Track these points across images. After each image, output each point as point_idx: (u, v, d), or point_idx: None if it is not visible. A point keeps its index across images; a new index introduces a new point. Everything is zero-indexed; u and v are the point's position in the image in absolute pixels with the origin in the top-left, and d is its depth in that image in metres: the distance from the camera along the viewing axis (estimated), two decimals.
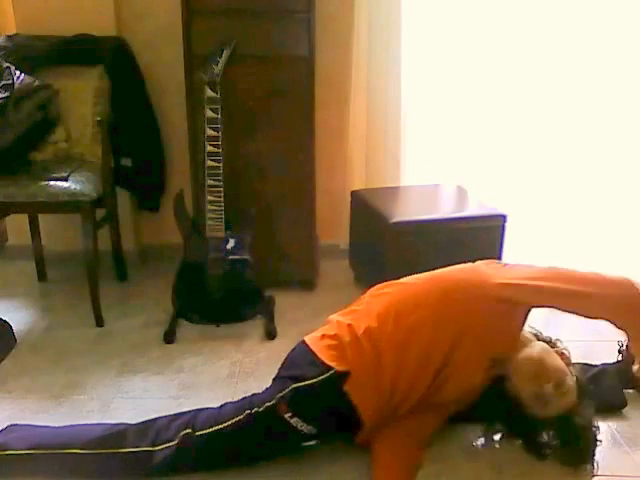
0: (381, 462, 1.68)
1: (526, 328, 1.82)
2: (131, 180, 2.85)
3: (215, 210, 2.41)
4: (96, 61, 2.63)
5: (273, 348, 2.31)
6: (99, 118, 2.51)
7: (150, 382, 2.12)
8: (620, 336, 1.81)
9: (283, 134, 2.59)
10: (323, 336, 1.75)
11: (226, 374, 2.17)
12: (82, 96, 2.60)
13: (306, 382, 1.65)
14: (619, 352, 2.06)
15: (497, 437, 1.81)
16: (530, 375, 1.72)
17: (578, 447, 1.72)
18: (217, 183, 2.39)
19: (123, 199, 2.86)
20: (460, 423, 1.86)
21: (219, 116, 2.36)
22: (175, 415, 1.72)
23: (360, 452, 1.73)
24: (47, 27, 2.64)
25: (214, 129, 2.36)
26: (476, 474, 1.70)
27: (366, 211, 2.69)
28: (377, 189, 2.85)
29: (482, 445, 1.82)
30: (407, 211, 2.65)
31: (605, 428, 1.84)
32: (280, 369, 1.79)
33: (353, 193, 2.84)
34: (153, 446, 1.64)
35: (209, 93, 2.35)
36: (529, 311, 1.79)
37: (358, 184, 2.94)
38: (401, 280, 1.87)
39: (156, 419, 1.72)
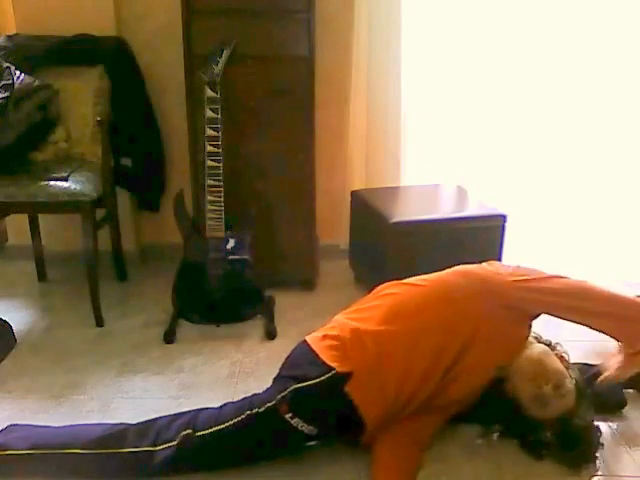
0: (381, 463, 1.67)
1: None
2: (131, 180, 2.85)
3: (215, 210, 2.41)
4: (96, 61, 2.63)
5: (273, 348, 2.31)
6: (99, 118, 2.51)
7: (150, 382, 2.12)
8: None
9: (283, 134, 2.59)
10: (325, 336, 1.75)
11: (226, 374, 2.17)
12: (82, 96, 2.60)
13: (307, 382, 1.64)
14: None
15: (496, 437, 1.81)
16: (529, 376, 1.73)
17: (577, 449, 1.72)
18: (217, 183, 2.39)
19: (123, 199, 2.86)
20: (460, 423, 1.86)
21: (219, 116, 2.36)
22: (175, 415, 1.72)
23: (360, 452, 1.73)
24: (47, 27, 2.64)
25: (214, 129, 2.36)
26: (476, 474, 1.70)
27: (366, 211, 2.69)
28: (377, 189, 2.85)
29: (482, 445, 1.82)
30: (407, 211, 2.65)
31: (605, 428, 1.84)
32: (281, 369, 1.79)
33: (353, 193, 2.84)
34: (154, 446, 1.64)
35: (209, 93, 2.35)
36: (535, 317, 1.81)
37: (358, 184, 2.94)
38: (407, 280, 1.87)
39: (156, 419, 1.72)
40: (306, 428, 1.64)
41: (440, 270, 1.87)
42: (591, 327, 1.76)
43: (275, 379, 1.77)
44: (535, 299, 1.75)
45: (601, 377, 1.80)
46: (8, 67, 2.42)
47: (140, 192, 2.95)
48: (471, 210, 2.70)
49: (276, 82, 2.54)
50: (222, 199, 2.40)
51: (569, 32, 2.84)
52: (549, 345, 1.82)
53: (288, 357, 1.80)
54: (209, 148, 2.38)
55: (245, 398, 1.74)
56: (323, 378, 1.64)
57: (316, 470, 1.71)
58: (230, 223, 2.46)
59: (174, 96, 2.73)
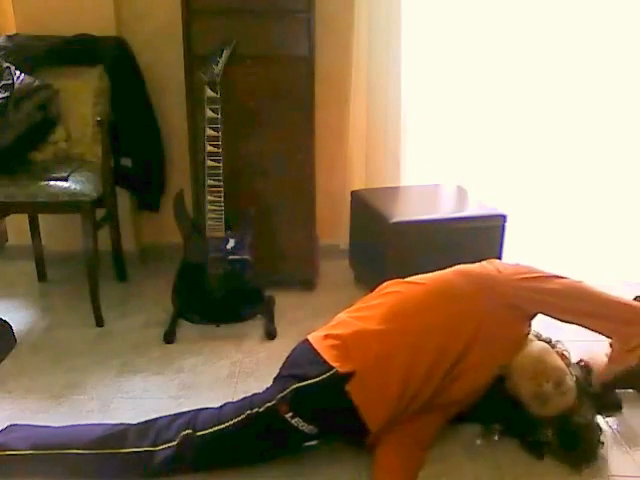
0: (383, 463, 1.67)
1: None
2: (131, 180, 2.85)
3: (215, 210, 2.41)
4: (96, 61, 2.63)
5: (273, 348, 2.31)
6: (99, 118, 2.51)
7: (150, 382, 2.12)
8: None
9: (283, 134, 2.59)
10: (327, 336, 1.75)
11: (226, 374, 2.17)
12: (82, 96, 2.60)
13: (307, 382, 1.64)
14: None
15: (497, 437, 1.81)
16: (530, 374, 1.73)
17: (578, 448, 1.72)
18: (217, 183, 2.39)
19: (123, 199, 2.86)
20: (460, 423, 1.86)
21: (219, 116, 2.36)
22: (176, 415, 1.72)
23: (360, 452, 1.73)
24: (47, 27, 2.65)
25: (214, 129, 2.36)
26: (476, 474, 1.70)
27: (366, 211, 2.69)
28: (377, 189, 2.85)
29: (482, 445, 1.82)
30: (407, 211, 2.65)
31: (605, 428, 1.84)
32: (281, 368, 1.79)
33: (353, 193, 2.84)
34: (154, 446, 1.64)
35: (209, 93, 2.35)
36: (533, 316, 1.81)
37: (358, 184, 2.94)
38: (410, 279, 1.87)
39: (157, 419, 1.72)
40: (306, 428, 1.64)
41: (440, 270, 1.87)
42: (586, 327, 1.77)
43: (275, 379, 1.77)
44: (534, 299, 1.76)
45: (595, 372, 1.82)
46: (8, 67, 2.42)
47: (140, 192, 2.95)
48: (471, 210, 2.70)
49: (276, 82, 2.54)
50: (222, 199, 2.40)
51: (569, 32, 2.85)
52: (550, 343, 1.82)
53: (289, 356, 1.80)
54: (209, 148, 2.38)
55: (245, 398, 1.74)
56: (323, 377, 1.63)
57: (316, 470, 1.71)
58: (230, 223, 2.46)
59: (174, 96, 2.73)
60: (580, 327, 1.77)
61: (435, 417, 1.77)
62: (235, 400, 1.77)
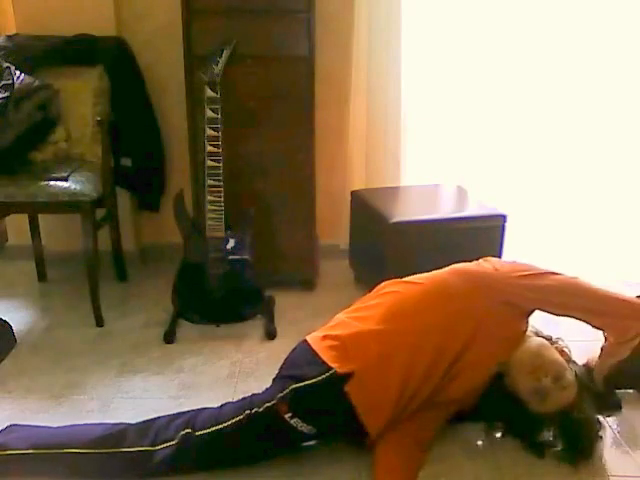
0: (383, 463, 1.67)
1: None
2: (131, 180, 2.85)
3: (215, 210, 2.41)
4: (96, 61, 2.63)
5: (273, 348, 2.31)
6: (99, 118, 2.51)
7: (150, 382, 2.12)
8: None
9: (283, 134, 2.59)
10: (325, 337, 1.75)
11: (226, 374, 2.17)
12: (82, 96, 2.60)
13: (306, 382, 1.64)
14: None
15: (497, 436, 1.82)
16: (528, 368, 1.73)
17: (579, 445, 1.72)
18: (217, 183, 2.39)
19: (123, 199, 2.86)
20: (460, 423, 1.86)
21: (219, 116, 2.36)
22: (175, 415, 1.72)
23: (360, 452, 1.73)
24: (47, 27, 2.65)
25: (214, 129, 2.36)
26: (476, 474, 1.70)
27: (366, 211, 2.69)
28: (377, 189, 2.85)
29: (482, 445, 1.82)
30: (407, 211, 2.65)
31: (604, 427, 1.84)
32: (281, 369, 1.79)
33: (353, 193, 2.84)
34: (153, 446, 1.64)
35: (209, 93, 2.35)
36: (531, 313, 1.81)
37: (358, 184, 2.94)
38: (408, 279, 1.87)
39: (156, 419, 1.72)
40: (305, 428, 1.64)
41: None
42: (581, 321, 1.77)
43: (275, 379, 1.77)
44: (530, 296, 1.76)
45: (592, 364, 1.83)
46: (8, 67, 2.42)
47: (140, 192, 2.95)
48: (471, 210, 2.70)
49: (276, 82, 2.54)
50: (222, 199, 2.40)
51: (569, 32, 2.84)
52: (549, 339, 1.82)
53: (288, 357, 1.80)
54: (209, 148, 2.38)
55: (245, 398, 1.74)
56: (322, 378, 1.63)
57: (316, 470, 1.71)
58: (230, 223, 2.46)
59: (174, 96, 2.73)
60: (577, 321, 1.78)
61: (435, 416, 1.77)
62: (235, 400, 1.77)
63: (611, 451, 1.78)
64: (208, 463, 1.67)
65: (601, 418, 1.80)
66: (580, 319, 1.77)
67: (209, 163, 2.38)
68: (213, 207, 2.41)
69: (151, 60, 2.79)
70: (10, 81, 2.37)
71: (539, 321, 1.87)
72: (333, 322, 1.83)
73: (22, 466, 1.65)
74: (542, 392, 1.71)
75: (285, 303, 2.66)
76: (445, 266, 1.87)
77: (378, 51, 2.77)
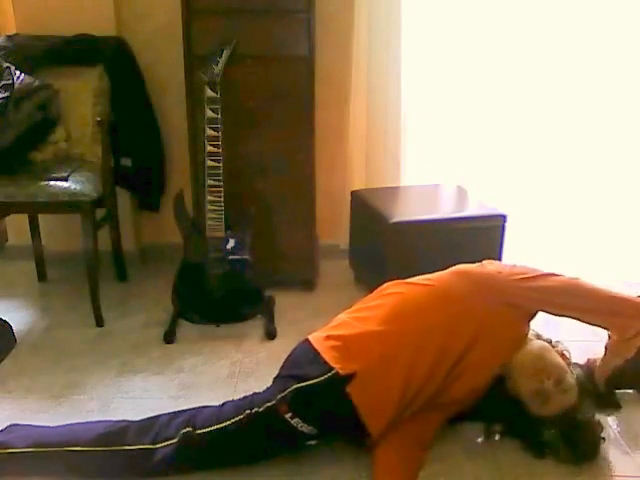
0: (383, 463, 1.67)
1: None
2: (131, 180, 2.85)
3: (215, 210, 2.41)
4: (96, 61, 2.63)
5: (273, 348, 2.31)
6: (99, 118, 2.51)
7: (150, 382, 2.12)
8: None
9: (283, 134, 2.59)
10: (328, 337, 1.75)
11: (226, 374, 2.17)
12: (82, 96, 2.60)
13: (308, 382, 1.64)
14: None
15: (497, 437, 1.81)
16: (530, 371, 1.73)
17: (580, 446, 1.71)
18: (217, 183, 2.39)
19: (123, 199, 2.86)
20: (460, 423, 1.86)
21: (219, 116, 2.36)
22: (176, 413, 1.72)
23: (360, 452, 1.73)
24: (47, 27, 2.65)
25: (214, 129, 2.36)
26: (476, 474, 1.70)
27: (366, 211, 2.69)
28: (377, 189, 2.85)
29: (482, 445, 1.82)
30: (407, 211, 2.65)
31: (605, 428, 1.84)
32: (281, 368, 1.78)
33: (353, 193, 2.84)
34: (153, 444, 1.63)
35: (209, 93, 2.35)
36: (533, 315, 1.81)
37: (358, 184, 2.94)
38: (411, 280, 1.87)
39: (157, 417, 1.72)
40: (306, 428, 1.64)
41: (440, 271, 1.87)
42: (584, 322, 1.79)
43: (275, 379, 1.77)
44: (532, 297, 1.77)
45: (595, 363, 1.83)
46: (8, 67, 2.42)
47: (140, 192, 2.95)
48: (471, 210, 2.70)
49: (276, 82, 2.54)
50: (222, 199, 2.40)
51: (569, 32, 2.85)
52: (550, 342, 1.83)
53: (289, 356, 1.80)
54: (209, 148, 2.38)
55: (245, 397, 1.74)
56: (324, 378, 1.63)
57: (316, 470, 1.71)
58: (230, 223, 2.46)
59: (174, 96, 2.73)
60: (577, 322, 1.78)
61: (436, 416, 1.77)
62: (236, 399, 1.77)
63: (611, 451, 1.78)
64: (208, 462, 1.67)
65: (601, 419, 1.80)
66: (583, 319, 1.78)
67: (209, 163, 2.38)
68: (213, 207, 2.41)
69: (151, 60, 2.79)
70: (10, 81, 2.37)
71: (539, 322, 1.87)
72: (335, 322, 1.83)
73: (23, 464, 1.65)
74: (544, 395, 1.71)
75: (285, 303, 2.66)
76: (445, 266, 1.87)
77: (378, 51, 2.77)
